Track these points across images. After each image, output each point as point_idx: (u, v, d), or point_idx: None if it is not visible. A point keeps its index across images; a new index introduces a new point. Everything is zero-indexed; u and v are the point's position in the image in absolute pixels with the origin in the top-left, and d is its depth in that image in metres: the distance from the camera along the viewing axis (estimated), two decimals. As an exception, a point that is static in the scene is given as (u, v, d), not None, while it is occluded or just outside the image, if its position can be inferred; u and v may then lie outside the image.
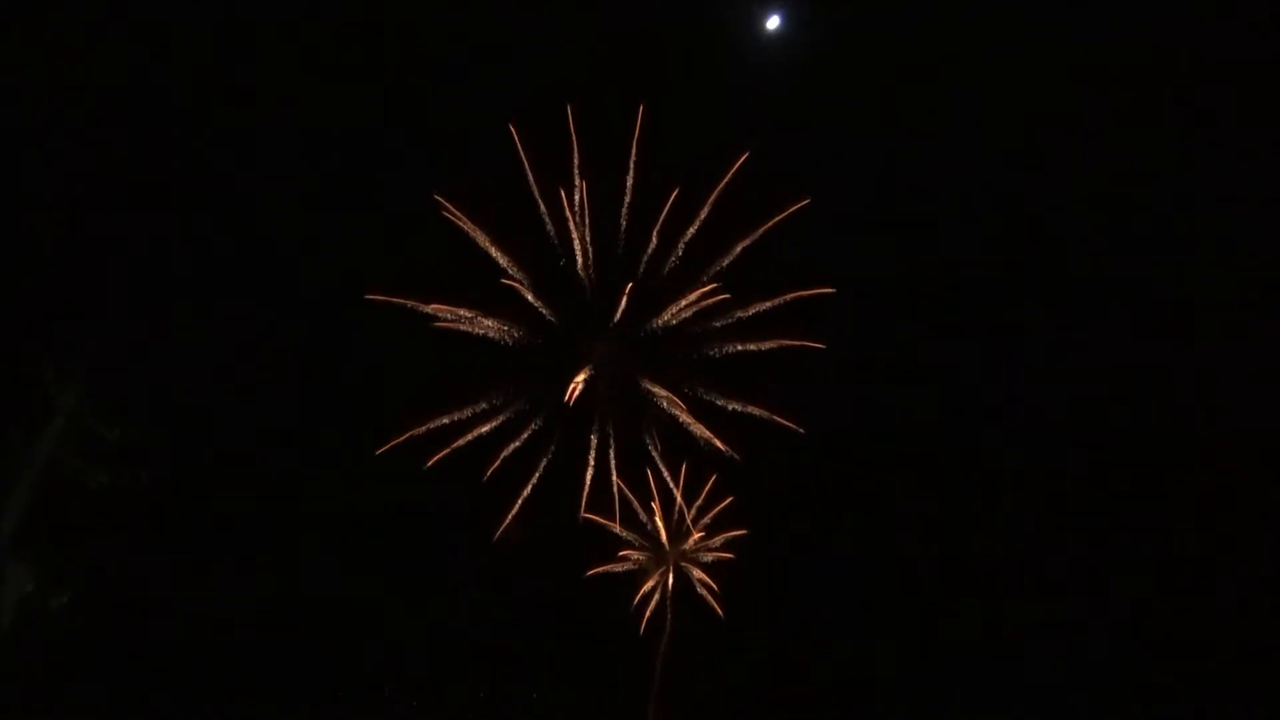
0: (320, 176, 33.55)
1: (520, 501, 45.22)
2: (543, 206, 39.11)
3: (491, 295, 41.30)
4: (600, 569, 48.47)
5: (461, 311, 41.84)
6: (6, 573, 22.05)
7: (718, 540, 47.95)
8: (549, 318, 42.50)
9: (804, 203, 37.51)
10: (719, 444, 44.27)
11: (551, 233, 39.82)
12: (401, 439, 41.24)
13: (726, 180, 37.57)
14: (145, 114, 27.04)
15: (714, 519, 47.84)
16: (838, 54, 36.14)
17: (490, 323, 42.43)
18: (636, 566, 48.56)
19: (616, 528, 48.41)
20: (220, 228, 29.68)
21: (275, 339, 32.09)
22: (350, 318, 37.71)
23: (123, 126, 26.21)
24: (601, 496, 46.52)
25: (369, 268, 38.28)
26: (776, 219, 38.32)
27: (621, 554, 48.54)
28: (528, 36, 36.00)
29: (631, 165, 37.60)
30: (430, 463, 42.60)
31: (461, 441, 43.57)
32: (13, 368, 23.02)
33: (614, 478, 45.81)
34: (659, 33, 36.10)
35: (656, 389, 44.15)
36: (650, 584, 50.55)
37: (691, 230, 38.80)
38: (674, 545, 48.92)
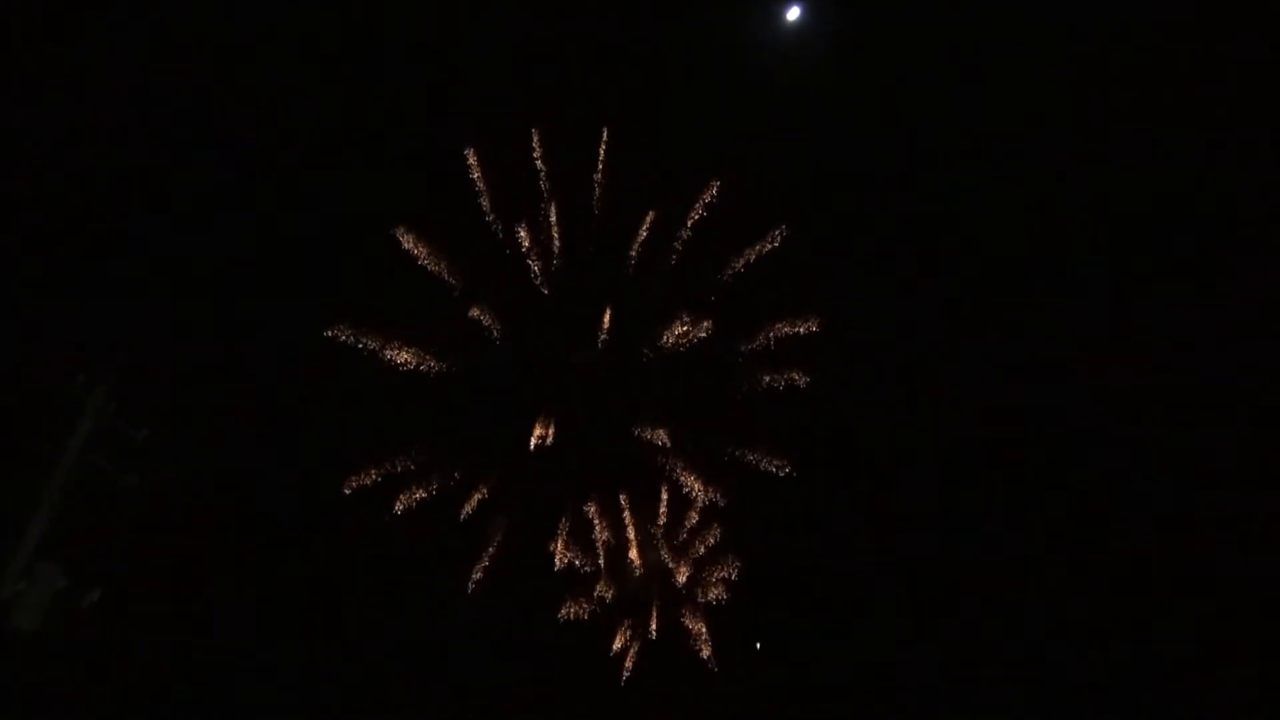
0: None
1: (494, 545, 45.34)
2: (514, 231, 40.65)
3: (460, 325, 42.31)
4: (574, 612, 47.66)
5: (422, 353, 42.60)
6: (38, 571, 22.43)
7: (707, 576, 47.55)
8: (518, 350, 43.45)
9: (782, 230, 39.18)
10: (700, 489, 45.00)
11: (523, 261, 41.24)
12: (366, 481, 41.44)
13: (699, 207, 39.54)
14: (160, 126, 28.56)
15: (702, 556, 47.59)
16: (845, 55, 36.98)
17: (453, 358, 43.19)
18: (613, 600, 48.00)
19: (593, 567, 48.09)
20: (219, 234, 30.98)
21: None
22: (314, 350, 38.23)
23: (147, 139, 27.68)
24: (581, 535, 46.80)
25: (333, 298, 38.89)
26: (756, 249, 39.84)
27: (599, 593, 47.90)
28: (513, 51, 37.54)
29: (597, 189, 39.34)
30: (397, 507, 42.78)
31: (428, 487, 43.88)
32: (42, 372, 23.78)
33: (592, 514, 46.25)
34: (647, 44, 37.58)
35: (633, 425, 45.13)
36: (630, 629, 49.98)
37: (672, 257, 40.51)
38: (658, 584, 48.55)
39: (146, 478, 24.01)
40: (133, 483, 23.91)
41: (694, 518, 46.78)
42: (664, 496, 46.66)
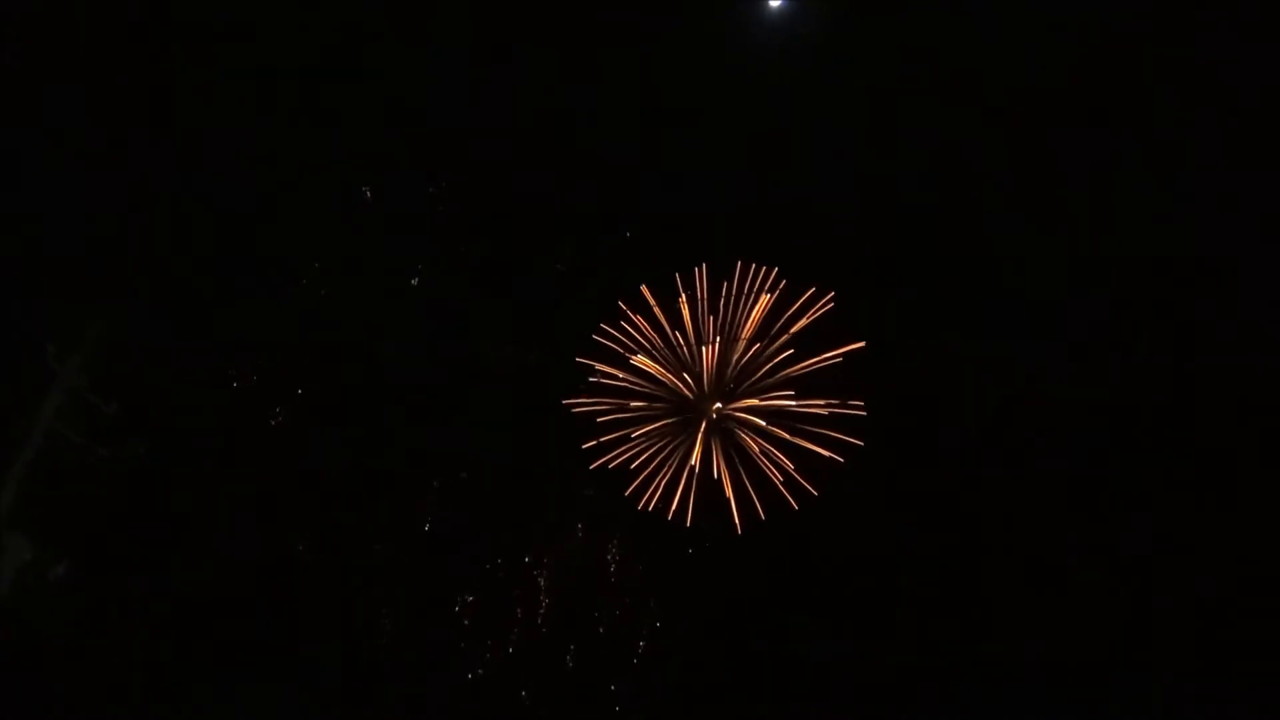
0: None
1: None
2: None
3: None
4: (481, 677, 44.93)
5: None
6: (5, 542, 21.40)
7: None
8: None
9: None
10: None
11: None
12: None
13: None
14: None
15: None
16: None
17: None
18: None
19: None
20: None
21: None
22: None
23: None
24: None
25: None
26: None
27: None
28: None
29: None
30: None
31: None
32: (14, 343, 23.13)
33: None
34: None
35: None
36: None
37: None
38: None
39: (116, 451, 23.35)
40: (102, 456, 23.21)
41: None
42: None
